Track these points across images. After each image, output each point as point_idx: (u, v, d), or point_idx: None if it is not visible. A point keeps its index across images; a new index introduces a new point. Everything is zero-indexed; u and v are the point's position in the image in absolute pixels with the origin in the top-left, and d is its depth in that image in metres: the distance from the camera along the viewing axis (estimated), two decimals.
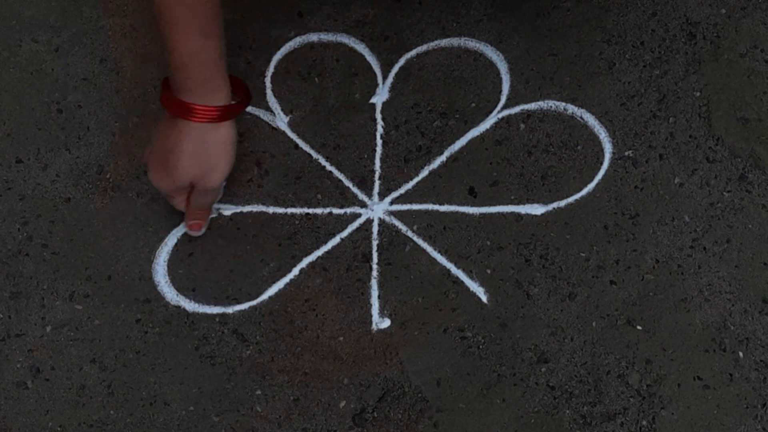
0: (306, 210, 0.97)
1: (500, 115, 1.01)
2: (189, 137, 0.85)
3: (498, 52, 1.05)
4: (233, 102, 0.89)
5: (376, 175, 0.98)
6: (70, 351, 0.90)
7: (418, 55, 1.06)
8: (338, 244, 0.95)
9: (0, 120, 1.04)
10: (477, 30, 1.06)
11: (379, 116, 1.02)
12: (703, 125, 0.99)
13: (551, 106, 1.01)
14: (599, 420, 0.84)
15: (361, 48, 1.06)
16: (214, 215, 0.95)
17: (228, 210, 0.97)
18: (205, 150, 0.86)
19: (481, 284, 0.91)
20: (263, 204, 0.98)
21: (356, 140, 1.01)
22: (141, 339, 0.91)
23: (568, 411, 0.85)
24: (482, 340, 0.89)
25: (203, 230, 0.94)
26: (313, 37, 1.08)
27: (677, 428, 0.84)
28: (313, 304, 0.92)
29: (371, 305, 0.91)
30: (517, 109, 1.01)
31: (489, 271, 0.92)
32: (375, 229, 0.95)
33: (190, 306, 0.92)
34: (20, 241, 0.96)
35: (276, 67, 1.06)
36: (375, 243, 0.94)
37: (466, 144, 1.00)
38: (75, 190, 0.99)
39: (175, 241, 0.96)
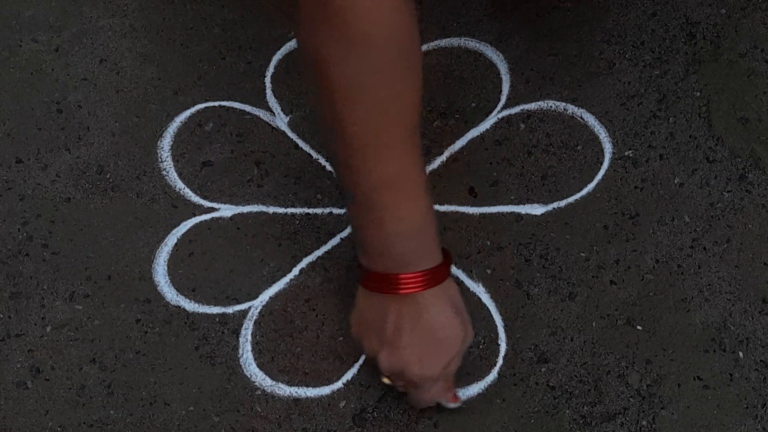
0: (306, 210, 0.97)
1: (500, 115, 1.01)
2: (441, 303, 0.75)
3: (498, 52, 1.05)
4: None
5: None
6: (70, 351, 0.90)
7: None
8: (338, 244, 0.95)
9: (0, 120, 1.04)
10: (477, 30, 1.06)
11: None
12: (703, 125, 0.99)
13: (551, 106, 1.01)
14: (599, 420, 0.84)
15: None
16: None
17: (228, 210, 0.97)
18: (456, 307, 0.76)
19: (481, 284, 0.91)
20: (263, 204, 0.98)
21: None
22: (141, 339, 0.91)
23: (568, 411, 0.85)
24: (482, 340, 0.89)
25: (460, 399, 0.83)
26: None
27: (677, 428, 0.84)
28: (313, 304, 0.92)
29: None
30: (517, 109, 1.01)
31: (489, 271, 0.92)
32: None
33: (190, 306, 0.92)
34: (20, 241, 0.96)
35: (276, 67, 1.06)
36: None
37: (466, 144, 1.00)
38: (75, 190, 0.99)
39: (175, 241, 0.96)
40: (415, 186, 0.72)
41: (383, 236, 0.72)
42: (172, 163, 1.01)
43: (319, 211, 0.97)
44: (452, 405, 0.82)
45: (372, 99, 0.66)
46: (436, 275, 0.74)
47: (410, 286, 0.73)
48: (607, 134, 0.99)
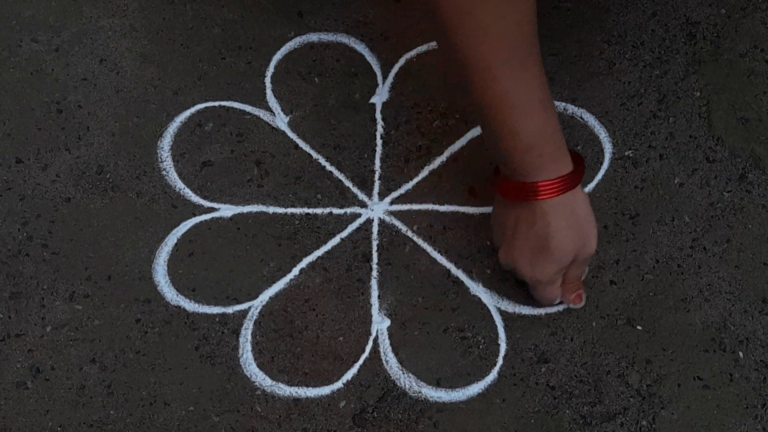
0: (306, 210, 0.97)
1: None
2: (557, 214, 0.79)
3: None
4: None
5: (376, 175, 0.99)
6: (70, 351, 0.90)
7: (418, 55, 1.06)
8: (338, 244, 0.95)
9: (0, 120, 1.04)
10: None
11: (379, 116, 1.02)
12: (703, 125, 0.99)
13: None
14: (599, 420, 0.84)
15: (361, 48, 1.06)
16: None
17: (228, 210, 0.97)
18: (576, 219, 0.81)
19: (481, 284, 0.91)
20: (263, 204, 0.98)
21: (356, 140, 1.01)
22: (141, 339, 0.91)
23: (568, 411, 0.85)
24: (482, 340, 0.89)
25: (584, 299, 0.88)
26: (313, 37, 1.08)
27: (677, 428, 0.84)
28: (313, 304, 0.92)
29: (371, 305, 0.91)
30: None
31: (489, 271, 0.92)
32: (375, 229, 0.95)
33: (190, 306, 0.92)
34: (20, 241, 0.96)
35: (276, 67, 1.06)
36: (375, 243, 0.95)
37: (467, 144, 1.00)
38: (75, 190, 0.99)
39: (175, 241, 0.96)
40: (525, 104, 0.76)
41: (502, 149, 0.78)
42: (172, 163, 1.01)
43: (319, 211, 0.97)
44: (575, 305, 0.88)
45: (474, 22, 0.70)
46: (553, 187, 0.79)
47: (525, 194, 0.79)
48: (607, 134, 0.99)
